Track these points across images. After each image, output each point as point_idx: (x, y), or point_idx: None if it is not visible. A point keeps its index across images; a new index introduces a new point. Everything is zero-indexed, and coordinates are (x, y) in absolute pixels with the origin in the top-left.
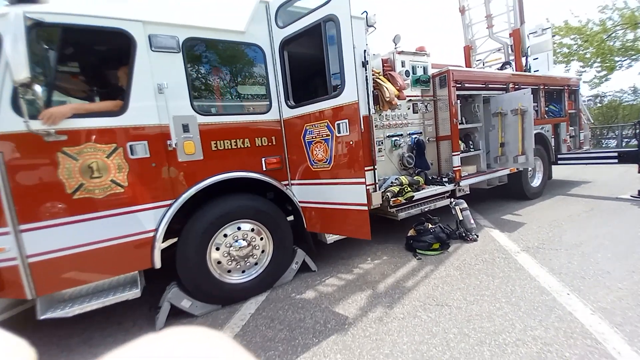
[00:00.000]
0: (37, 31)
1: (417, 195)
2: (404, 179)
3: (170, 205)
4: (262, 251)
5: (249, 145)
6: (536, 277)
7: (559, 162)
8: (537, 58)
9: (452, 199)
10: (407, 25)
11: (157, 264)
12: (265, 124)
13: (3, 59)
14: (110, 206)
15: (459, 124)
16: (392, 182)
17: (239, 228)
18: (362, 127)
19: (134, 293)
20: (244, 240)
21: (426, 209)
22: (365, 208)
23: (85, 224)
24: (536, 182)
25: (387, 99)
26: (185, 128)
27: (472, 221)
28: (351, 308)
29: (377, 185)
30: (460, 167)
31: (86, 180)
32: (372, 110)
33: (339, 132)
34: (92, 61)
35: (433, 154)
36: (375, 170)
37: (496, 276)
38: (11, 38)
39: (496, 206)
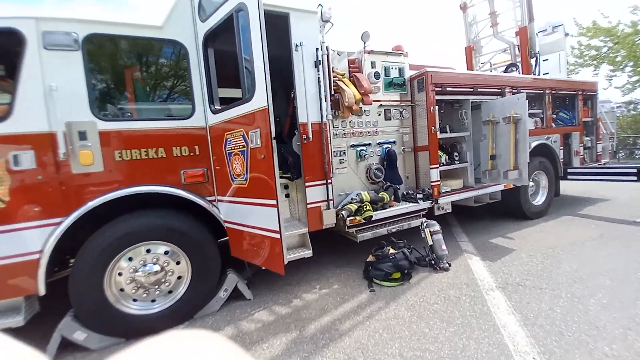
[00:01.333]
0: None
1: (381, 214)
2: (366, 195)
3: (59, 224)
4: (179, 277)
5: (164, 156)
6: (502, 328)
7: (569, 177)
8: (547, 59)
9: (424, 220)
10: (403, 23)
11: (42, 290)
12: (186, 131)
13: None
14: None
15: (442, 132)
16: (352, 199)
17: (148, 250)
18: (311, 135)
19: (16, 321)
20: (155, 264)
21: (394, 230)
22: (277, 236)
23: None
24: (539, 200)
25: (347, 104)
26: (82, 135)
27: (444, 247)
28: (261, 358)
29: (330, 202)
30: (439, 182)
31: None
32: (327, 117)
33: (252, 143)
34: None
35: (411, 167)
36: (329, 185)
37: (453, 322)
38: None
39: (489, 226)
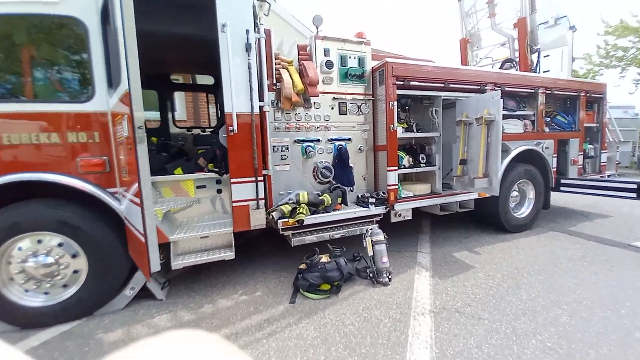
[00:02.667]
0: None
1: (319, 218)
2: (303, 196)
3: None
4: (75, 271)
5: (58, 141)
6: None
7: (562, 188)
8: (548, 55)
9: (370, 228)
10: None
11: None
12: (84, 116)
13: None
14: None
15: (408, 131)
16: (289, 199)
17: (39, 241)
18: (236, 127)
19: None
20: (47, 256)
21: (339, 235)
22: (142, 239)
23: None
24: (523, 212)
25: (284, 95)
26: None
27: (385, 259)
28: None
29: (260, 201)
30: (396, 186)
31: None
32: (259, 108)
33: (124, 132)
34: None
35: (370, 167)
36: (259, 183)
37: (356, 351)
38: None
39: (461, 237)
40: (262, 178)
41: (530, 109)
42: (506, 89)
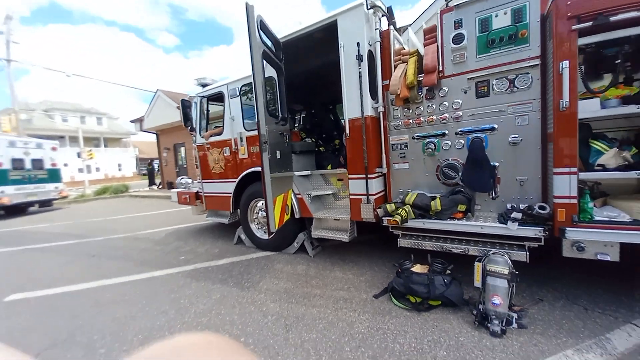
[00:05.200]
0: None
1: (425, 224)
2: (410, 197)
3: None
4: None
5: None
6: None
7: None
8: None
9: (493, 251)
10: None
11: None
12: None
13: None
14: None
15: (615, 106)
16: (400, 198)
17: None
18: (349, 132)
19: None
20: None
21: (456, 250)
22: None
23: None
24: None
25: (391, 92)
26: None
27: (498, 301)
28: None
29: (370, 196)
30: (573, 200)
31: None
32: (370, 111)
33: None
34: None
35: (534, 167)
36: (369, 180)
37: None
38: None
39: None
40: (375, 175)
41: None
42: None
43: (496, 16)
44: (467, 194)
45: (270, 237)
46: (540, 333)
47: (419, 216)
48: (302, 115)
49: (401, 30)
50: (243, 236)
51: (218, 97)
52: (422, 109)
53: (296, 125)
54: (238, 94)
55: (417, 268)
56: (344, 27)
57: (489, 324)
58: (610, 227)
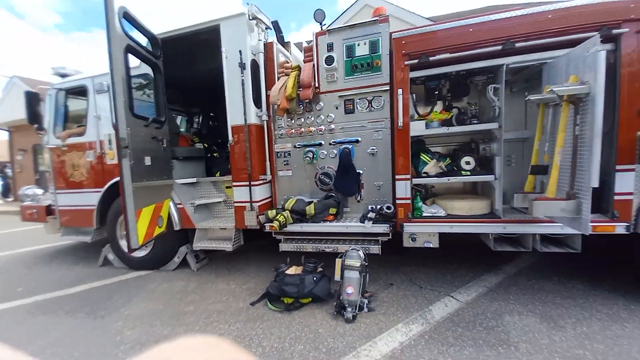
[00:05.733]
0: None
1: (302, 227)
2: (289, 202)
3: None
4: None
5: None
6: None
7: None
8: None
9: (353, 247)
10: None
11: None
12: None
13: None
14: None
15: (447, 125)
16: (281, 205)
17: None
18: (232, 138)
19: None
20: None
21: (328, 250)
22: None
23: None
24: None
25: (271, 103)
26: None
27: (351, 291)
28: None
29: (253, 204)
30: (408, 200)
31: None
32: (251, 119)
33: None
34: None
35: (387, 174)
36: (253, 187)
37: None
38: None
39: (565, 293)
40: (259, 182)
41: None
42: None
43: (358, 45)
44: (337, 198)
45: (146, 254)
46: (383, 313)
47: (297, 220)
48: (199, 118)
49: (289, 45)
50: (111, 256)
51: (80, 91)
52: (302, 120)
53: (193, 128)
54: (107, 89)
55: (292, 270)
56: (226, 34)
57: (344, 312)
58: (432, 221)
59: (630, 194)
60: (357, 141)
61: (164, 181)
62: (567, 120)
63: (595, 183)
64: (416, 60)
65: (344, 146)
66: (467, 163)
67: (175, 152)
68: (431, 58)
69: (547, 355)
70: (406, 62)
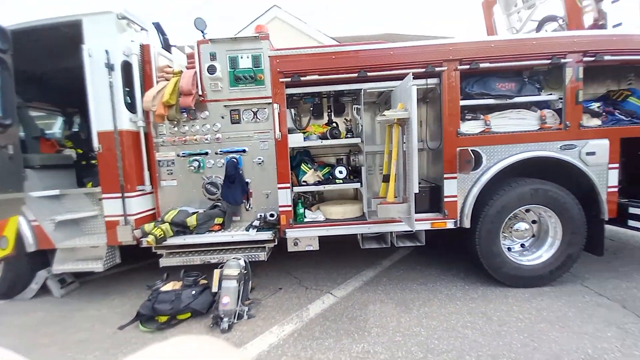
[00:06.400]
0: None
1: (186, 239)
2: (169, 214)
3: None
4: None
5: None
6: None
7: (631, 222)
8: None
9: (234, 258)
10: None
11: None
12: None
13: None
14: None
15: (324, 138)
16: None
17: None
18: (99, 145)
19: None
20: None
21: (214, 261)
22: None
23: None
24: (538, 257)
25: (144, 109)
26: None
27: (226, 301)
28: None
29: (128, 217)
30: (289, 208)
31: None
32: (122, 124)
33: None
34: None
35: (273, 182)
36: (126, 199)
37: None
38: None
39: (426, 278)
40: (135, 194)
41: (554, 91)
42: (481, 64)
43: (242, 58)
44: (223, 207)
45: None
46: (263, 318)
47: (179, 233)
48: (79, 120)
49: (176, 48)
50: None
51: None
52: (187, 128)
53: (70, 132)
54: None
55: (169, 286)
56: (91, 31)
57: (220, 323)
58: (311, 226)
59: (455, 196)
60: (244, 151)
61: (8, 195)
62: (398, 138)
63: (416, 189)
64: (289, 79)
65: (231, 156)
66: (340, 172)
67: (30, 160)
68: (302, 78)
69: (391, 335)
70: (281, 80)
